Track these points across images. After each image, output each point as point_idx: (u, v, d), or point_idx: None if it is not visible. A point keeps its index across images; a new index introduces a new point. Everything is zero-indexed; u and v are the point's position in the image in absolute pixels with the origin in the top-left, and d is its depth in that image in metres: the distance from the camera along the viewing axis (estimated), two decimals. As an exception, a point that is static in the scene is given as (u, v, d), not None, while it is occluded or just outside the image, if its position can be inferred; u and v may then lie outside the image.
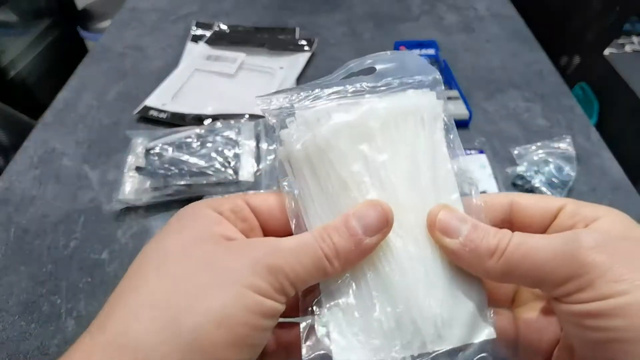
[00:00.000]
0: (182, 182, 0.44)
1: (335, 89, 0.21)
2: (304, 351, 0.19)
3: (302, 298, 0.20)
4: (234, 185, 0.45)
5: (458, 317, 0.19)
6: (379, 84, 0.21)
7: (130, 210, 0.44)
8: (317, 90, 0.21)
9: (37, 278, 0.39)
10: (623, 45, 0.96)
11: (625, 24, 0.93)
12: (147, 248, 0.18)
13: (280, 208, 0.20)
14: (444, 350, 0.19)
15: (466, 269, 0.19)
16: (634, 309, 0.15)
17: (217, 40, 0.67)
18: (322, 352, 0.18)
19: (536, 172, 0.47)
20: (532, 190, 0.46)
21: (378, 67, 0.22)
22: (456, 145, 0.21)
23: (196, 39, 0.68)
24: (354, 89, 0.21)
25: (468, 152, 0.50)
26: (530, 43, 0.69)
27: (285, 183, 0.21)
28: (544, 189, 0.46)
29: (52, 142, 0.52)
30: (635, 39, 0.97)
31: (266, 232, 0.21)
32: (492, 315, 0.20)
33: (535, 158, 0.48)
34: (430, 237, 0.19)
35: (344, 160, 0.19)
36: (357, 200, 0.19)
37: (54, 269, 0.40)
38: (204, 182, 0.45)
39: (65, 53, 1.13)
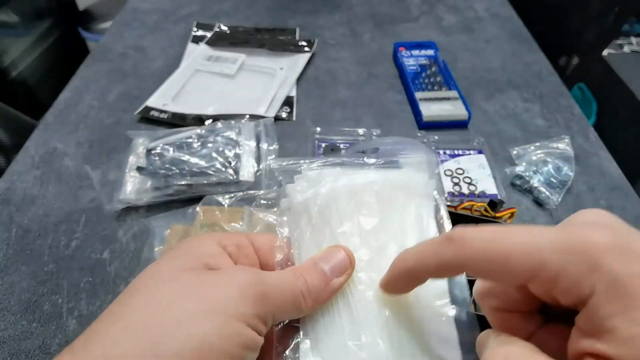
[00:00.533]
0: (183, 182, 0.44)
1: (341, 159, 0.24)
2: None
3: (276, 345, 0.21)
4: (235, 185, 0.46)
5: None
6: (381, 161, 0.24)
7: (131, 210, 0.45)
8: (324, 160, 0.24)
9: (39, 277, 0.39)
10: (622, 45, 0.96)
11: (623, 25, 0.94)
12: (143, 272, 0.19)
13: (272, 244, 0.22)
14: None
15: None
16: None
17: (218, 40, 0.68)
18: None
19: (535, 172, 0.47)
20: (530, 190, 0.47)
21: (382, 147, 0.25)
22: (445, 223, 0.23)
23: (197, 39, 0.68)
24: (359, 162, 0.24)
25: (467, 152, 0.50)
26: (529, 43, 0.69)
27: (282, 229, 0.23)
28: (542, 189, 0.46)
29: (53, 142, 0.52)
30: (633, 39, 0.97)
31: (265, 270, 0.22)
32: None
33: (534, 158, 0.49)
34: (405, 301, 0.20)
35: (339, 219, 0.21)
36: None
37: (55, 268, 0.40)
38: (205, 182, 0.45)
39: (66, 54, 1.13)
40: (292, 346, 0.20)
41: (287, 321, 0.21)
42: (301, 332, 0.20)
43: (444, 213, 0.23)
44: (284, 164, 0.23)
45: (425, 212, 0.23)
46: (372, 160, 0.24)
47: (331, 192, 0.21)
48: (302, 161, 0.23)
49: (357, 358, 0.19)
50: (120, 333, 0.16)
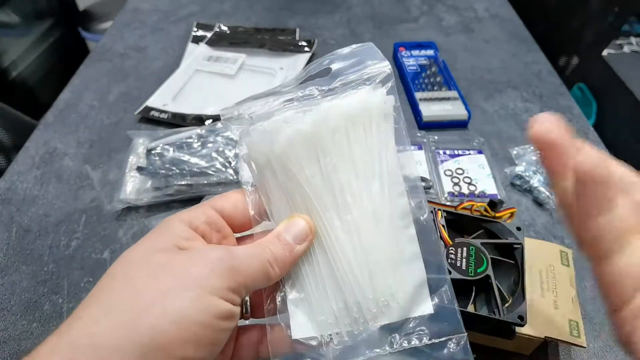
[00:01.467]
0: (183, 182, 0.44)
1: (290, 95, 0.23)
2: (269, 336, 0.22)
3: (266, 302, 0.23)
4: (235, 185, 0.46)
5: (398, 297, 0.22)
6: (333, 85, 0.24)
7: (131, 210, 0.45)
8: (273, 99, 0.24)
9: (39, 277, 0.39)
10: (621, 46, 0.96)
11: (623, 25, 0.94)
12: (119, 258, 0.20)
13: (242, 203, 0.23)
14: (385, 323, 0.22)
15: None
16: None
17: (218, 41, 0.68)
18: (286, 339, 0.22)
19: (534, 172, 0.47)
20: (530, 190, 0.47)
21: (334, 66, 0.25)
22: (404, 135, 0.24)
23: (197, 39, 0.68)
24: (308, 92, 0.24)
25: (467, 152, 0.50)
26: (529, 44, 0.70)
27: (249, 182, 0.24)
28: (542, 189, 0.46)
29: (54, 142, 0.52)
30: (633, 39, 0.97)
31: (232, 227, 0.23)
32: (430, 295, 0.23)
33: (534, 158, 0.49)
34: (374, 227, 0.22)
35: (300, 166, 0.22)
36: (311, 199, 0.22)
37: (55, 268, 0.40)
38: (205, 182, 0.45)
39: (66, 54, 1.13)
40: (279, 300, 0.23)
41: None
42: (286, 285, 0.23)
43: (402, 123, 0.24)
44: (235, 113, 0.24)
45: (386, 138, 0.23)
46: (326, 87, 0.24)
47: (287, 140, 0.22)
48: (251, 108, 0.23)
49: (339, 299, 0.22)
50: (101, 314, 0.17)
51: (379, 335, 0.22)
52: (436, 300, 0.23)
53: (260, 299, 0.23)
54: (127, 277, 0.19)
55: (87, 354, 0.16)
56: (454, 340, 0.22)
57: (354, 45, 0.25)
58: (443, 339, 0.22)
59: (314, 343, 0.22)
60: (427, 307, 0.23)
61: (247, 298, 0.23)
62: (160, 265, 0.19)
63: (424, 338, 0.22)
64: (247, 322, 0.24)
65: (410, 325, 0.22)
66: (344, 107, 0.23)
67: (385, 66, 0.24)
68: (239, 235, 0.24)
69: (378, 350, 0.22)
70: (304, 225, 0.22)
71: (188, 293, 0.18)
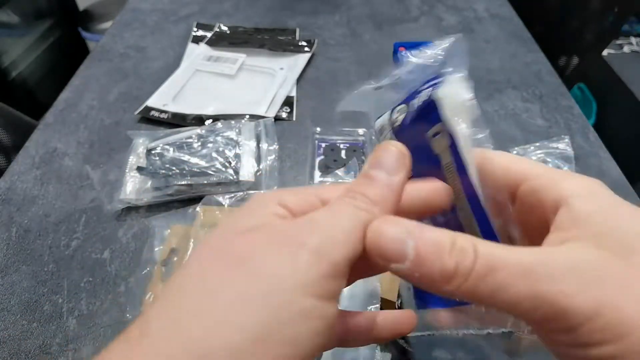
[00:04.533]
0: (183, 182, 0.44)
1: None
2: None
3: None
4: (235, 185, 0.46)
5: None
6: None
7: (131, 210, 0.45)
8: None
9: (39, 277, 0.39)
10: (621, 46, 0.96)
11: (623, 25, 0.94)
12: (199, 245, 0.17)
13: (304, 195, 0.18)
14: None
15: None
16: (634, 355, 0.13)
17: (218, 41, 0.68)
18: None
19: (535, 172, 0.47)
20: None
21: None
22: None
23: (197, 39, 0.68)
24: None
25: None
26: (529, 44, 0.70)
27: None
28: (542, 188, 0.46)
29: (54, 142, 0.52)
30: (633, 39, 0.97)
31: None
32: None
33: (534, 158, 0.49)
34: None
35: None
36: None
37: (55, 268, 0.40)
38: (205, 182, 0.45)
39: (66, 54, 1.13)
40: None
41: None
42: None
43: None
44: None
45: None
46: None
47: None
48: None
49: None
50: (169, 329, 0.14)
51: None
52: None
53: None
54: (201, 277, 0.15)
55: None
56: None
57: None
58: None
59: None
60: None
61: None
62: (239, 258, 0.15)
63: None
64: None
65: None
66: None
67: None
68: None
69: None
70: (393, 149, 0.17)
71: (271, 300, 0.14)
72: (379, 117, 0.23)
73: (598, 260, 0.14)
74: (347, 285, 0.18)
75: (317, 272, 0.14)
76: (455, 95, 0.20)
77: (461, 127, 0.20)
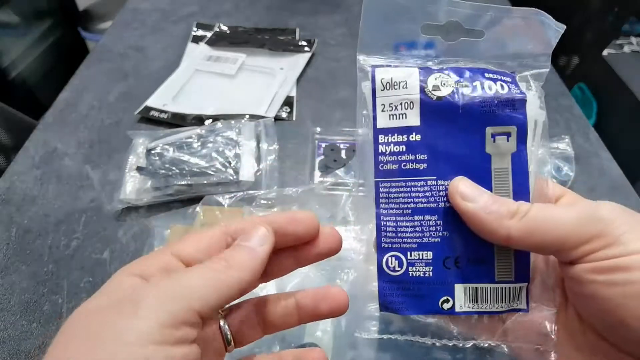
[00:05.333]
0: (183, 182, 0.44)
1: None
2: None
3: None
4: (235, 185, 0.46)
5: None
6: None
7: (131, 210, 0.45)
8: None
9: (38, 277, 0.39)
10: (621, 45, 0.96)
11: (623, 25, 0.94)
12: (65, 324, 0.18)
13: (203, 243, 0.20)
14: None
15: (483, 235, 0.19)
16: None
17: (218, 41, 0.68)
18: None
19: (535, 172, 0.47)
20: (531, 190, 0.46)
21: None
22: None
23: (197, 39, 0.68)
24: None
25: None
26: (529, 44, 0.69)
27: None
28: (542, 188, 0.46)
29: (54, 142, 0.52)
30: (633, 39, 0.97)
31: None
32: None
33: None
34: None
35: None
36: None
37: (55, 268, 0.40)
38: (205, 182, 0.45)
39: (66, 54, 1.13)
40: None
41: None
42: None
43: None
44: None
45: None
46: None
47: None
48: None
49: None
50: None
51: None
52: None
53: (245, 326, 0.21)
54: (67, 349, 0.16)
55: None
56: None
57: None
58: None
59: None
60: None
61: (226, 328, 0.20)
62: (100, 328, 0.16)
63: None
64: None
65: None
66: None
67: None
68: None
69: None
70: (262, 230, 0.20)
71: (138, 351, 0.15)
72: (387, 66, 0.20)
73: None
74: (253, 289, 0.20)
75: (156, 322, 0.16)
76: (539, 109, 0.19)
77: (539, 140, 0.19)
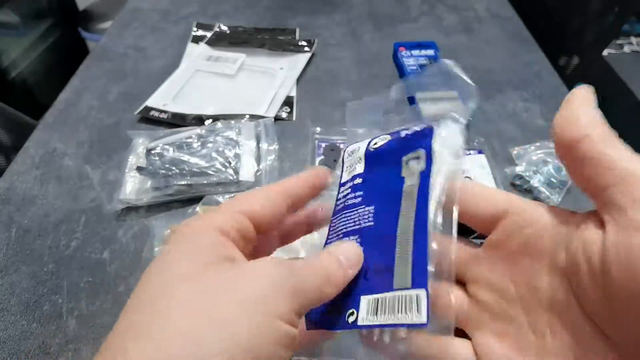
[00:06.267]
0: (183, 182, 0.44)
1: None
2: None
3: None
4: (235, 185, 0.46)
5: None
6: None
7: (131, 210, 0.45)
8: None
9: (38, 277, 0.39)
10: (622, 45, 0.96)
11: (624, 25, 0.94)
12: (150, 277, 0.17)
13: (270, 201, 0.21)
14: None
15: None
16: None
17: (218, 41, 0.68)
18: None
19: (535, 172, 0.47)
20: (530, 190, 0.47)
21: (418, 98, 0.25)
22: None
23: (197, 39, 0.68)
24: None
25: (467, 152, 0.50)
26: (529, 44, 0.69)
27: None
28: (542, 189, 0.46)
29: (53, 143, 0.52)
30: (633, 39, 0.97)
31: (256, 229, 0.21)
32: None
33: (534, 158, 0.49)
34: None
35: None
36: None
37: (55, 268, 0.40)
38: (205, 182, 0.45)
39: (66, 54, 1.13)
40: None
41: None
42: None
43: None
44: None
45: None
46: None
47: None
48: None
49: None
50: (160, 346, 0.14)
51: None
52: None
53: None
54: (177, 295, 0.16)
55: None
56: None
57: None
58: None
59: None
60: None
61: None
62: (215, 283, 0.16)
63: None
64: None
65: None
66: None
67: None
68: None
69: None
70: (357, 248, 0.20)
71: (251, 317, 0.15)
72: (354, 143, 0.25)
73: None
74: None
75: (291, 304, 0.17)
76: (451, 135, 0.22)
77: (445, 158, 0.21)
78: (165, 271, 0.17)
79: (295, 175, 0.23)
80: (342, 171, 0.25)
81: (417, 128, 0.23)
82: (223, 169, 0.46)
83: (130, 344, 0.15)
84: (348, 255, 0.20)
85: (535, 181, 0.46)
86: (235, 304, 0.16)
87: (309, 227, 0.25)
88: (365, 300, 0.20)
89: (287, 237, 0.25)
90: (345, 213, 0.23)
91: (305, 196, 0.23)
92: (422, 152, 0.21)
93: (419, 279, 0.18)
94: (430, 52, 0.64)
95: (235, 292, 0.16)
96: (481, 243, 0.21)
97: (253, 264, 0.18)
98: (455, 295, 0.20)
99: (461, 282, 0.21)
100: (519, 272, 0.18)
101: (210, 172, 0.45)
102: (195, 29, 0.71)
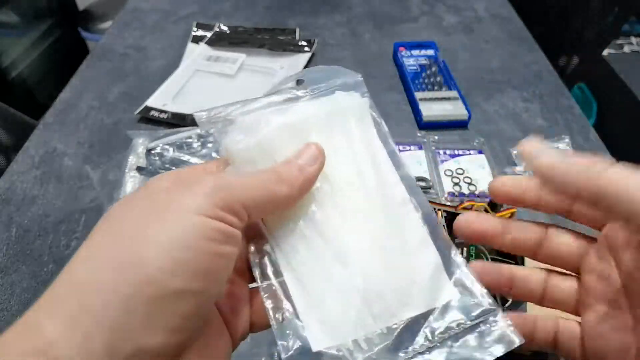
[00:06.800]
0: (183, 182, 0.44)
1: (268, 100, 0.23)
2: (275, 332, 0.19)
3: (272, 314, 0.19)
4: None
5: (418, 284, 0.20)
6: (308, 90, 0.23)
7: (131, 210, 0.45)
8: (252, 103, 0.23)
9: (38, 277, 0.39)
10: (622, 45, 0.96)
11: (623, 25, 0.94)
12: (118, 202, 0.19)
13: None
14: (412, 317, 0.20)
15: (558, 188, 0.19)
16: None
17: (218, 41, 0.68)
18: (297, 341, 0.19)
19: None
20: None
21: (305, 77, 0.24)
22: (388, 136, 0.24)
23: (197, 39, 0.68)
24: (286, 97, 0.23)
25: (467, 152, 0.50)
26: (529, 43, 0.69)
27: None
28: (542, 188, 0.46)
29: (53, 142, 0.52)
30: (633, 39, 0.97)
31: None
32: (450, 279, 0.21)
33: (534, 158, 0.49)
34: (374, 214, 0.21)
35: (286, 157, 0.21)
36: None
37: (55, 268, 0.40)
38: (205, 182, 0.45)
39: (66, 54, 1.13)
40: (286, 311, 0.20)
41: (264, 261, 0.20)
42: (294, 293, 0.20)
43: (384, 127, 0.24)
44: (212, 114, 0.23)
45: (369, 133, 0.23)
46: (302, 92, 0.23)
47: (270, 134, 0.21)
48: (230, 108, 0.23)
49: (354, 295, 0.20)
50: (84, 258, 0.16)
51: (405, 333, 0.19)
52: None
53: (262, 310, 0.20)
54: (118, 218, 0.17)
55: (68, 301, 0.15)
56: (490, 318, 0.20)
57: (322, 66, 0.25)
58: (481, 318, 0.20)
59: (336, 352, 0.19)
60: (450, 292, 0.20)
61: (247, 310, 0.20)
62: (155, 200, 0.17)
63: (461, 323, 0.19)
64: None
65: (436, 315, 0.20)
66: (325, 106, 0.23)
67: (356, 75, 0.24)
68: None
69: (413, 346, 0.19)
70: (314, 148, 0.20)
71: (170, 216, 0.16)
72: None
73: None
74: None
75: (209, 199, 0.17)
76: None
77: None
78: (112, 211, 0.18)
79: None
80: None
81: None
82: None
83: (70, 267, 0.17)
84: (306, 155, 0.20)
85: (535, 181, 0.46)
86: (157, 213, 0.17)
87: None
88: None
89: None
90: None
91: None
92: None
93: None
94: (430, 52, 0.64)
95: (161, 204, 0.17)
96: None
97: (188, 179, 0.18)
98: (569, 284, 0.21)
99: (575, 272, 0.21)
100: (623, 263, 0.19)
101: (210, 172, 0.45)
102: (195, 29, 0.71)
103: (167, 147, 0.47)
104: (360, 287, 0.20)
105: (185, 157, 0.46)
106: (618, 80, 0.90)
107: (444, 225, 0.33)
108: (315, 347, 0.19)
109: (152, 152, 0.47)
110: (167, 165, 0.45)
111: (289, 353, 0.19)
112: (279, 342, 0.19)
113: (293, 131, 0.21)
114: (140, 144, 0.49)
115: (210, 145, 0.48)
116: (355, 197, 0.21)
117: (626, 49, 0.96)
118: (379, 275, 0.20)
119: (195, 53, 0.65)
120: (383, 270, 0.20)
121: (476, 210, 0.35)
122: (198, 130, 0.50)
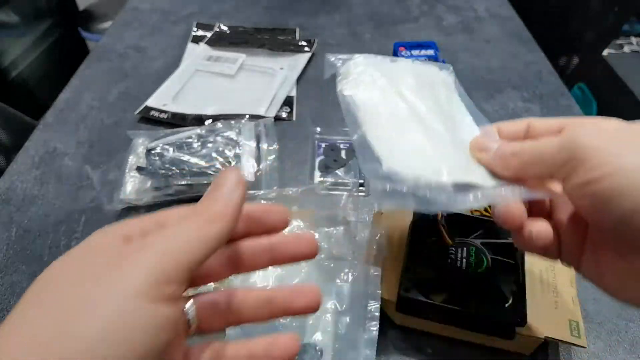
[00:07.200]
0: (183, 182, 0.44)
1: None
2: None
3: None
4: (235, 185, 0.46)
5: (474, 163, 0.26)
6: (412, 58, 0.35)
7: (131, 210, 0.45)
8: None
9: (39, 277, 0.39)
10: (621, 45, 0.96)
11: (623, 25, 0.94)
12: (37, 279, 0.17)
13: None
14: (467, 182, 0.25)
15: (496, 171, 0.25)
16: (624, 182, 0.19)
17: (218, 41, 0.68)
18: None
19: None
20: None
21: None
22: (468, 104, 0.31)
23: (197, 39, 0.68)
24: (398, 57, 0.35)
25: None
26: (529, 44, 0.69)
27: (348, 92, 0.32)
28: (542, 188, 0.46)
29: (53, 142, 0.52)
30: (633, 39, 0.97)
31: None
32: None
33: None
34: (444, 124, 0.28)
35: (401, 84, 0.30)
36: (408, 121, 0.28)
37: (55, 268, 0.40)
38: (205, 182, 0.45)
39: (66, 54, 1.13)
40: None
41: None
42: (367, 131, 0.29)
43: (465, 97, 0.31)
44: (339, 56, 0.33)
45: (453, 95, 0.31)
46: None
47: (384, 68, 0.30)
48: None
49: (417, 140, 0.27)
50: (16, 334, 0.15)
51: (455, 192, 0.24)
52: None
53: (211, 312, 0.20)
54: (54, 286, 0.16)
55: None
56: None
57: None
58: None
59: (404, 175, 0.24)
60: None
61: (192, 309, 0.19)
62: (82, 278, 0.16)
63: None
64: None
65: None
66: (421, 66, 0.32)
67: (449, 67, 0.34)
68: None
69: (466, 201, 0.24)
70: (233, 175, 0.20)
71: (113, 302, 0.15)
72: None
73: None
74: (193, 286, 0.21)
75: (146, 277, 0.16)
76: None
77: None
78: (44, 275, 0.17)
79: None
80: None
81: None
82: (223, 169, 0.46)
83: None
84: (224, 185, 0.20)
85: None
86: (94, 290, 0.16)
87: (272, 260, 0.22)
88: None
89: (240, 266, 0.22)
90: None
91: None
92: None
93: None
94: (430, 52, 0.64)
95: (98, 278, 0.16)
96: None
97: (126, 248, 0.18)
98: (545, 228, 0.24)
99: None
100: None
101: (210, 172, 0.45)
102: (195, 29, 0.71)
103: (167, 147, 0.47)
104: (430, 151, 0.26)
105: (185, 157, 0.46)
106: (618, 80, 0.90)
107: (443, 225, 0.33)
108: (386, 166, 0.25)
109: (152, 152, 0.47)
110: (167, 165, 0.45)
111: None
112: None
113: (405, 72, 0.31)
114: (140, 144, 0.49)
115: (210, 145, 0.48)
116: (432, 118, 0.28)
117: (626, 49, 0.96)
118: (448, 148, 0.26)
119: (195, 53, 0.65)
120: (452, 146, 0.26)
121: (476, 210, 0.35)
122: (198, 130, 0.50)
